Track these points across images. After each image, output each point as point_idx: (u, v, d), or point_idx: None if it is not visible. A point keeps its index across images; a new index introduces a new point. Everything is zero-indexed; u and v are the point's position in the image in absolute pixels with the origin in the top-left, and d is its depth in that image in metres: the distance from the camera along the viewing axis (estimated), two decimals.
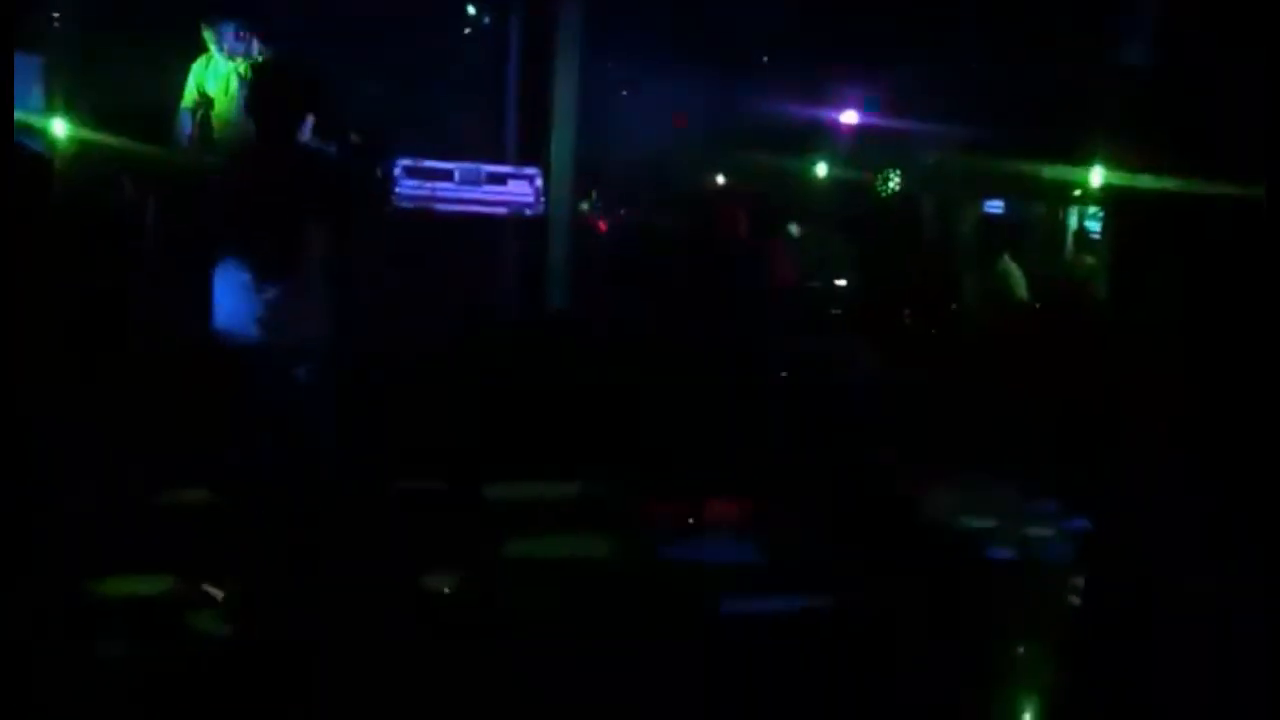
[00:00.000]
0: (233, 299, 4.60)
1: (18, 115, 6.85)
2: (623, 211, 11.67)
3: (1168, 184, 2.81)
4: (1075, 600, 4.49)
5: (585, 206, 11.36)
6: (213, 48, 7.78)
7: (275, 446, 4.59)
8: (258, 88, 4.79)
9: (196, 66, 7.88)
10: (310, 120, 7.04)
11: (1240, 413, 2.34)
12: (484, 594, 4.63)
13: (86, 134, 7.79)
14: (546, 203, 8.52)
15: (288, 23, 7.92)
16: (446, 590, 4.62)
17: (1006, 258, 8.75)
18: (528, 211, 8.52)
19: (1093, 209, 10.60)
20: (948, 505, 5.80)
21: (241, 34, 7.68)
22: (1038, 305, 8.44)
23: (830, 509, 5.65)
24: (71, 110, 7.87)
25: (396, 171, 8.24)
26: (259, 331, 4.59)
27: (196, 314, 4.78)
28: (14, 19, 3.68)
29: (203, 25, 7.76)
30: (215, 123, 7.92)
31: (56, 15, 8.77)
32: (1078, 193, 10.37)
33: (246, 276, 4.56)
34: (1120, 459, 2.58)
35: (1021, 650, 4.38)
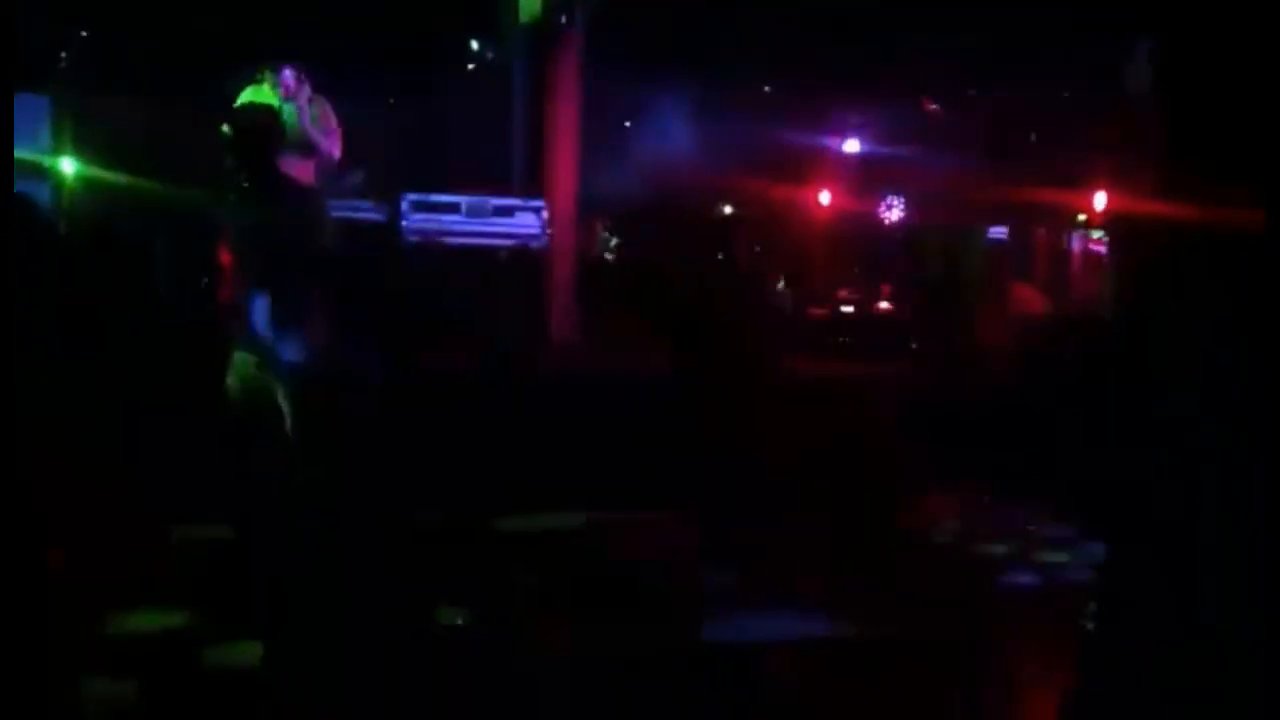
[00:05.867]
0: (245, 332, 4.63)
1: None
2: (624, 242, 11.72)
3: (1173, 205, 2.83)
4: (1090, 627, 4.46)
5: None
6: (267, 85, 7.88)
7: (289, 480, 4.59)
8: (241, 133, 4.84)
9: (246, 91, 7.95)
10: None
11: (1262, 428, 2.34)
12: (496, 628, 4.63)
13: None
14: (552, 234, 8.56)
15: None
16: (460, 623, 4.62)
17: (1021, 284, 8.76)
18: (534, 243, 8.55)
19: (1097, 232, 10.64)
20: (966, 531, 5.80)
21: (299, 76, 7.80)
22: (1054, 325, 8.43)
23: (844, 536, 5.64)
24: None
25: (404, 206, 8.28)
26: (274, 365, 4.61)
27: (210, 347, 4.82)
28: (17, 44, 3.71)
29: (265, 67, 7.90)
30: None
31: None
32: (1082, 217, 10.41)
33: (260, 311, 4.59)
34: (1141, 477, 2.58)
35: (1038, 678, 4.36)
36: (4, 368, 2.75)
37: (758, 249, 11.00)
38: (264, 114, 5.08)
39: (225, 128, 4.84)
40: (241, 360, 4.71)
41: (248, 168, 4.76)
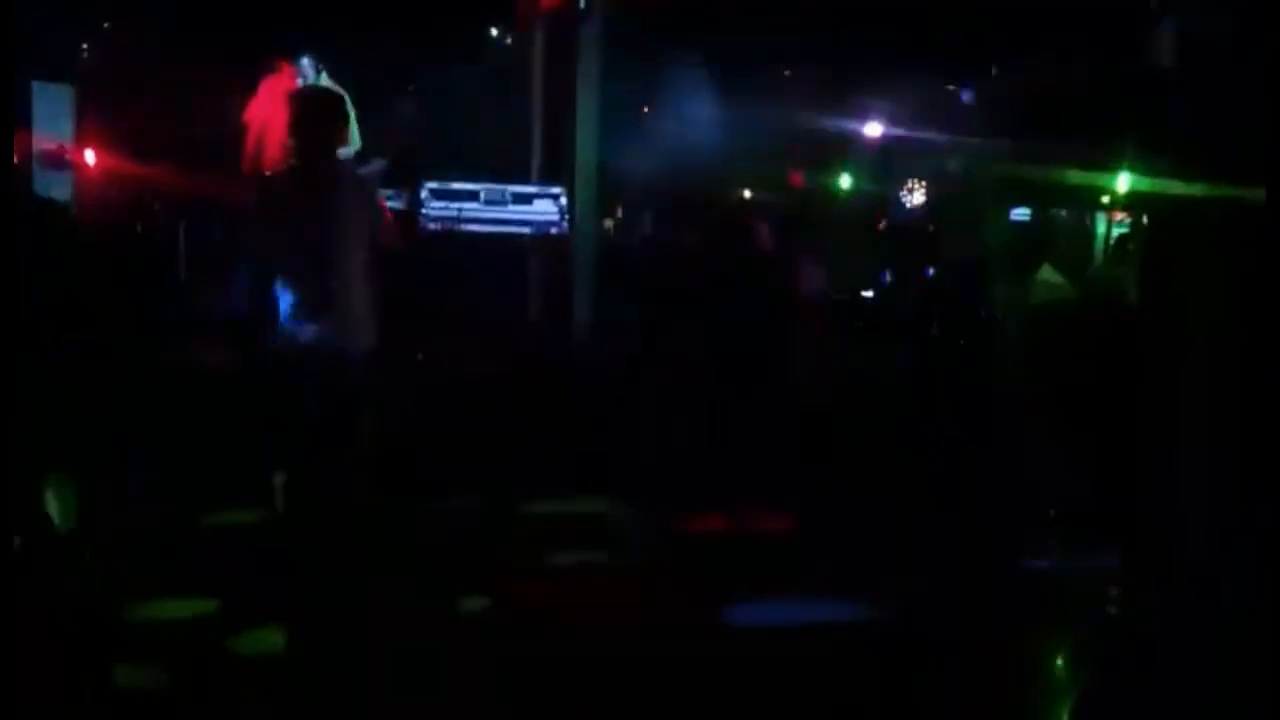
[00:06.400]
0: (275, 315, 4.57)
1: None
2: (646, 228, 11.68)
3: (1194, 186, 2.81)
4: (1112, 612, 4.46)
5: (609, 224, 11.39)
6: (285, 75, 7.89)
7: (317, 461, 4.56)
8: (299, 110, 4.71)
9: (266, 82, 7.96)
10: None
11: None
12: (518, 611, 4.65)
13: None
14: (571, 221, 8.55)
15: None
16: (482, 607, 4.64)
17: (1047, 267, 8.66)
18: (553, 230, 8.56)
19: (1121, 215, 10.54)
20: (987, 516, 5.78)
21: (317, 66, 7.82)
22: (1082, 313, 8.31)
23: (868, 521, 5.63)
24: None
25: (423, 194, 8.30)
26: (299, 347, 4.54)
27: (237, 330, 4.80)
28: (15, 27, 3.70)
29: (283, 57, 7.92)
30: (269, 139, 8.01)
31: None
32: (1105, 199, 10.32)
33: (288, 293, 4.52)
34: (1164, 467, 2.57)
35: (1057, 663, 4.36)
36: (6, 363, 2.76)
37: (779, 233, 10.94)
38: (328, 97, 4.98)
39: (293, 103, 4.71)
40: (285, 349, 4.60)
41: (305, 151, 4.61)
